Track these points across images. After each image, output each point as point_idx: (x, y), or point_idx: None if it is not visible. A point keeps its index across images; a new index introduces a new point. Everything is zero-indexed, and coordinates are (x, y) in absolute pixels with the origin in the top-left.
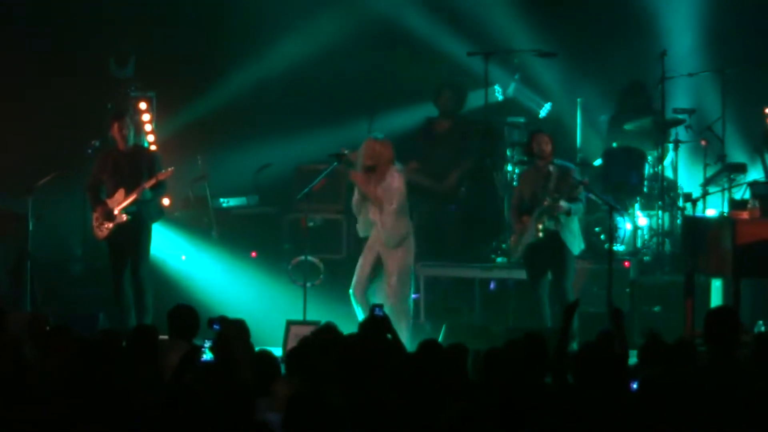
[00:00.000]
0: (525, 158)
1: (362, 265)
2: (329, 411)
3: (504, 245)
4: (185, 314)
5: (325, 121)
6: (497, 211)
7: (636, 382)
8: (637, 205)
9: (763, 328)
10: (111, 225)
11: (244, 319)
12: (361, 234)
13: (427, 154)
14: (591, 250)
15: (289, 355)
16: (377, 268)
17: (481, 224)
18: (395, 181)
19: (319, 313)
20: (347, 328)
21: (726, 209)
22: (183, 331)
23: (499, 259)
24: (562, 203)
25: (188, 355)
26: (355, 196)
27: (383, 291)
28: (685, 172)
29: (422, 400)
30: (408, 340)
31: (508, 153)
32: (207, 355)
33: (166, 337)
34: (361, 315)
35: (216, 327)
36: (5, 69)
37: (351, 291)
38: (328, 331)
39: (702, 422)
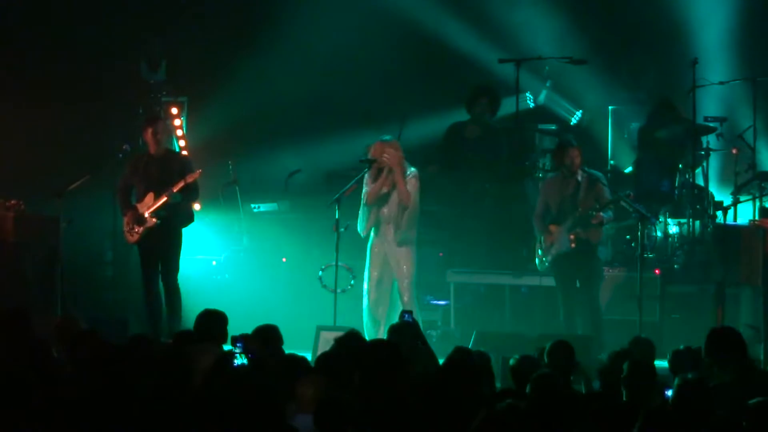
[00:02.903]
0: (552, 167)
1: (381, 281)
2: (355, 416)
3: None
4: (213, 319)
5: (356, 127)
6: (527, 218)
7: (670, 390)
8: (667, 213)
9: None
10: (141, 229)
11: (269, 324)
12: (363, 232)
13: (456, 159)
14: (621, 257)
15: (318, 361)
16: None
17: (511, 231)
18: (410, 182)
19: (350, 318)
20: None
21: (757, 217)
22: (211, 337)
23: (529, 266)
24: (602, 214)
25: (221, 360)
26: (371, 192)
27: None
28: (715, 180)
29: (452, 407)
30: None
31: (539, 160)
32: (239, 360)
33: None
34: (372, 331)
35: (239, 345)
36: (36, 72)
37: (370, 306)
38: (351, 338)
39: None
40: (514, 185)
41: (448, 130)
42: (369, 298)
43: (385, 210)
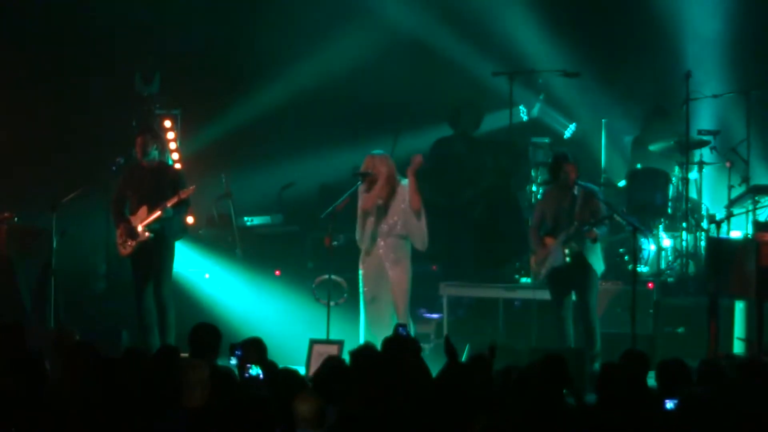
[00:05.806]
0: (548, 180)
1: (376, 296)
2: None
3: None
4: (207, 333)
5: (349, 140)
6: (521, 230)
7: (671, 402)
8: (661, 227)
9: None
10: (134, 242)
11: (261, 338)
12: (362, 245)
13: (440, 174)
14: (615, 271)
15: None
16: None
17: (505, 244)
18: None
19: (343, 332)
20: None
21: (750, 231)
22: (204, 350)
23: (523, 279)
24: (597, 230)
25: (220, 374)
26: (366, 200)
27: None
28: (709, 193)
29: (446, 418)
30: None
31: (533, 173)
32: (254, 370)
33: (185, 355)
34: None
35: (238, 353)
36: (30, 85)
37: (366, 322)
38: (367, 349)
39: None
40: (506, 198)
41: (433, 146)
42: (365, 314)
43: (381, 223)
